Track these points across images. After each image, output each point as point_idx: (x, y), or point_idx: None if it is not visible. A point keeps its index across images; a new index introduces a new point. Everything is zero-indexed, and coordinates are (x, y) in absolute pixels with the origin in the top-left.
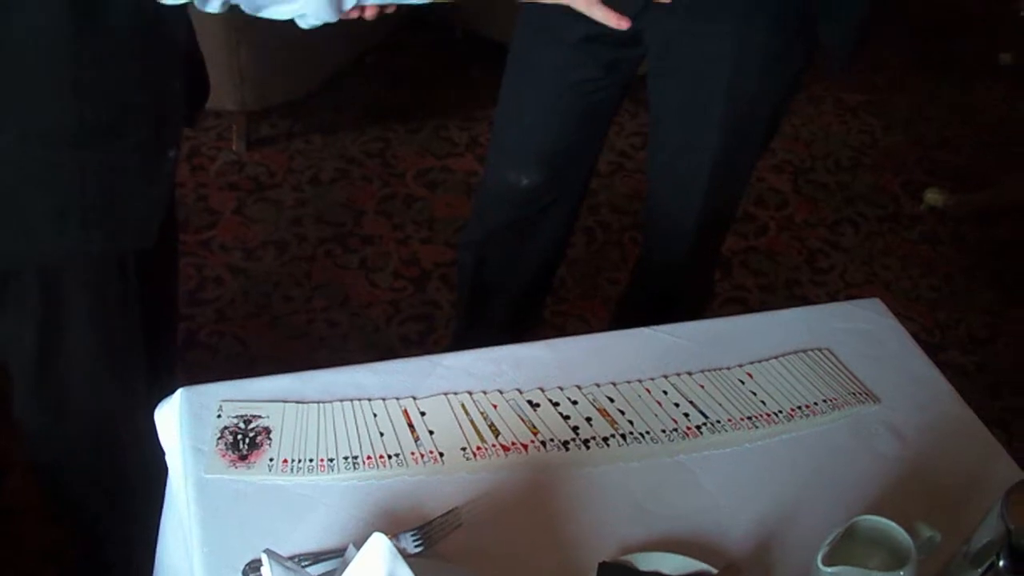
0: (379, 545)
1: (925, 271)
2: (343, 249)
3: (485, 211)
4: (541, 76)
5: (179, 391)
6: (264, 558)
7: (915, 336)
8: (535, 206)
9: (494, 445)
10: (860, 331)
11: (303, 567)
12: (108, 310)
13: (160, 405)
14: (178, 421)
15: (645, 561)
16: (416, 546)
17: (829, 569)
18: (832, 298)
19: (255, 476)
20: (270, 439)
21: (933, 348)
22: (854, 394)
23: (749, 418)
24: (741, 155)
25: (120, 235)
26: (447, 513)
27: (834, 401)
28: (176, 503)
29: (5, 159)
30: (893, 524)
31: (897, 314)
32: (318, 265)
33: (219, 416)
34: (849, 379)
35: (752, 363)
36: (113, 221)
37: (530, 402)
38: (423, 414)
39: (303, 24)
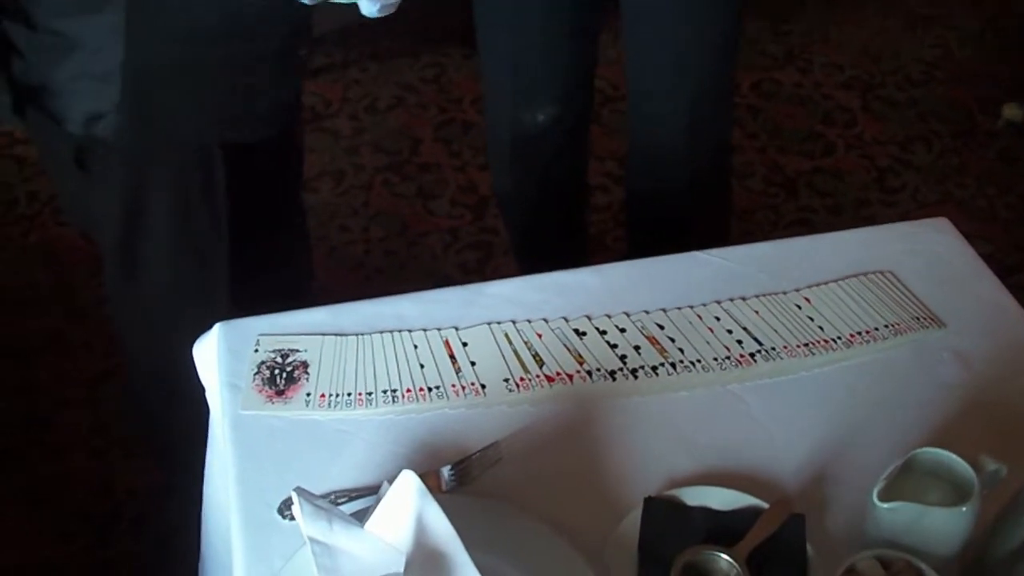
0: (408, 483)
1: (1002, 189)
2: (400, 177)
3: (508, 158)
4: (516, 7)
5: (216, 326)
6: (294, 496)
7: (990, 257)
8: (557, 138)
9: (538, 376)
10: (925, 252)
11: (338, 504)
12: (191, 196)
13: (198, 341)
14: (216, 357)
15: (693, 496)
16: (453, 481)
17: (885, 505)
18: (903, 219)
19: (292, 412)
20: (307, 373)
21: (1009, 269)
22: (918, 319)
23: (805, 345)
24: (717, 24)
25: (246, 129)
26: (487, 447)
27: (896, 326)
28: (216, 441)
29: (150, 54)
30: (955, 457)
31: (972, 235)
32: (375, 194)
33: (256, 351)
34: (913, 303)
35: (810, 287)
36: (242, 116)
37: (576, 330)
38: (465, 345)
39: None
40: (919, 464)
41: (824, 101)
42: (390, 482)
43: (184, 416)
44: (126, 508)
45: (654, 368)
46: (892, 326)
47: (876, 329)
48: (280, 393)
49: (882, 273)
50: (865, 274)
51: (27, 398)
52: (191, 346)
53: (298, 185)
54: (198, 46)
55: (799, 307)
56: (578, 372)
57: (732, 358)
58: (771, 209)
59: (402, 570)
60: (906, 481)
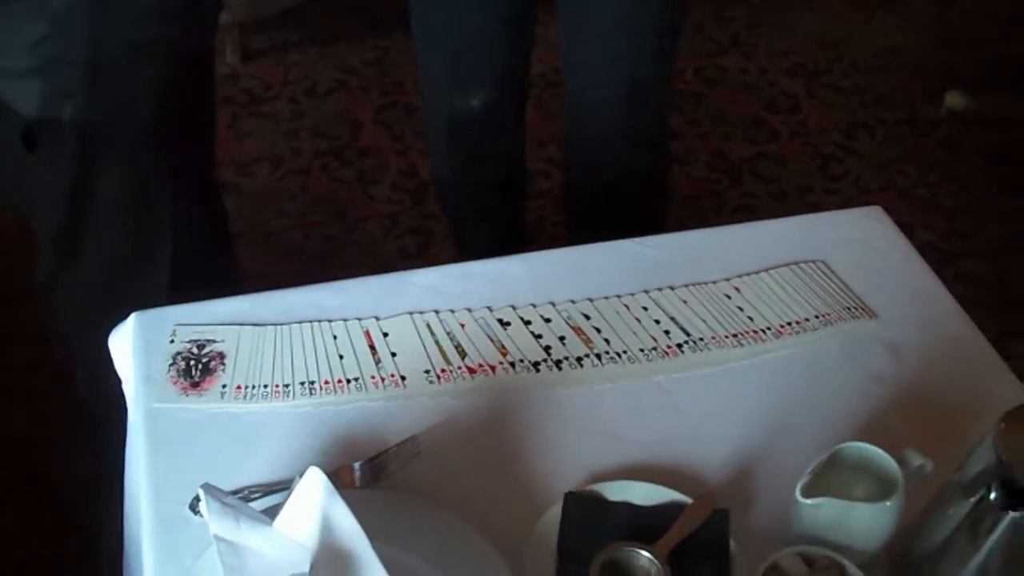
0: (314, 481)
1: (943, 177)
2: (340, 162)
3: (444, 144)
4: None
5: (132, 315)
6: (201, 493)
7: (931, 246)
8: (493, 123)
9: (460, 367)
10: (858, 241)
11: (251, 500)
12: (138, 177)
13: (114, 331)
14: (131, 348)
15: (615, 490)
16: (367, 476)
17: (809, 501)
18: (845, 206)
19: (207, 404)
20: (224, 364)
21: (950, 257)
22: (849, 309)
23: (734, 335)
24: (654, 8)
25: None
26: (404, 441)
27: (827, 317)
28: (131, 434)
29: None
30: (880, 451)
31: (913, 223)
32: (313, 179)
33: (172, 341)
34: (844, 293)
35: (740, 276)
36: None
37: (500, 320)
38: (386, 335)
39: None
40: (844, 458)
41: (769, 87)
42: (302, 477)
43: (119, 406)
44: (57, 499)
45: (579, 359)
46: (822, 316)
47: (806, 320)
48: (195, 385)
49: (814, 262)
50: (797, 263)
51: None
52: None
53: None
54: (152, 23)
55: (728, 297)
56: (501, 364)
57: (659, 349)
58: (714, 195)
59: (307, 569)
60: (832, 476)
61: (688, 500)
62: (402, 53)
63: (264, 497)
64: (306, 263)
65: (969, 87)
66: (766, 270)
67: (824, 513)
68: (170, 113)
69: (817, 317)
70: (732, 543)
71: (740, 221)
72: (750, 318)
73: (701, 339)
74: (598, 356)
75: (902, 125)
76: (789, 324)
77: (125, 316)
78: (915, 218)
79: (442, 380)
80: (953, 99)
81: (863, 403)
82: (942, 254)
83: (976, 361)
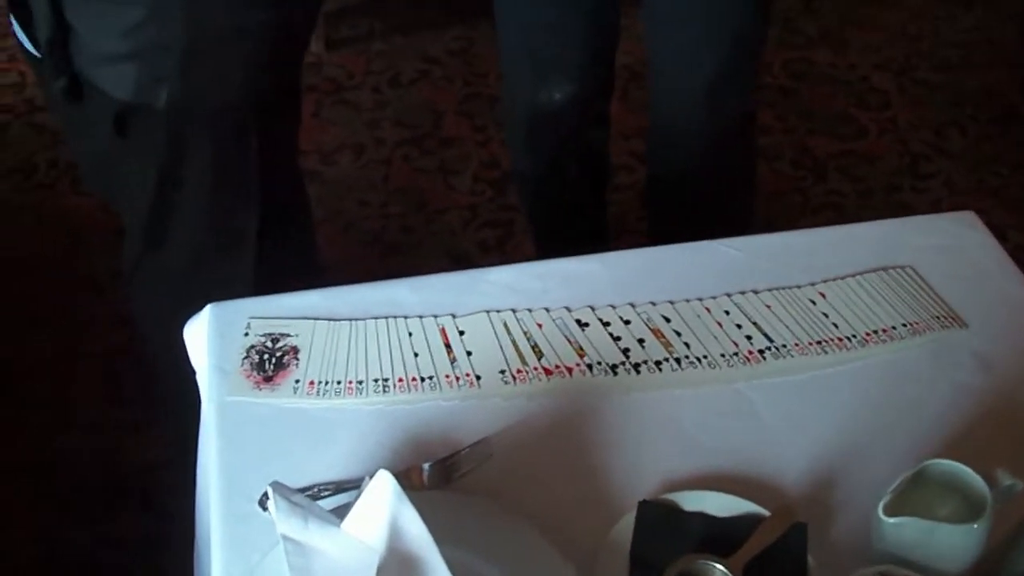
0: (384, 483)
1: None
2: (421, 152)
3: (525, 138)
4: None
5: (207, 307)
6: (270, 491)
7: (1023, 249)
8: (574, 116)
9: (536, 368)
10: (950, 248)
11: (321, 498)
12: (226, 164)
13: (189, 322)
14: (206, 339)
15: (691, 500)
16: (437, 477)
17: (892, 520)
18: (934, 206)
19: (279, 399)
20: (297, 359)
21: None
22: (938, 318)
23: (819, 343)
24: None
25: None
26: (477, 443)
27: (915, 325)
28: (204, 427)
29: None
30: (968, 470)
31: (1005, 225)
32: (395, 168)
33: (247, 334)
34: (934, 301)
35: (825, 281)
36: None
37: (578, 321)
38: (462, 333)
39: None
40: (930, 475)
41: (858, 83)
42: (371, 477)
43: (193, 395)
44: (133, 484)
45: (658, 363)
46: (910, 325)
47: (893, 328)
48: (268, 379)
49: (903, 268)
50: (885, 269)
51: (35, 370)
52: None
53: (296, 148)
54: (255, 9)
55: (813, 302)
56: (578, 365)
57: (740, 355)
58: (799, 192)
59: (374, 573)
60: (916, 493)
61: (765, 512)
62: (487, 44)
63: (333, 496)
64: (386, 253)
65: None
66: (853, 275)
67: (907, 533)
68: (260, 100)
69: (905, 325)
70: (810, 559)
71: (825, 219)
72: (835, 325)
73: (784, 346)
74: (677, 360)
75: (995, 122)
76: (875, 332)
77: (203, 306)
78: (1008, 220)
79: (518, 381)
80: None
81: (951, 417)
82: None
83: None
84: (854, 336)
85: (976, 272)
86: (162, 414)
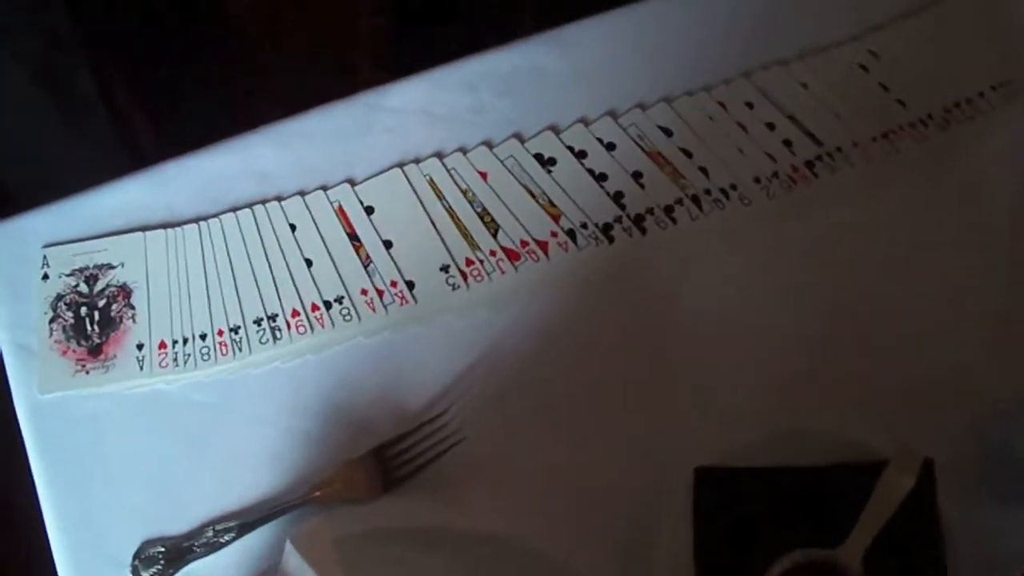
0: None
1: None
2: None
3: None
4: None
5: None
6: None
7: None
8: None
9: (493, 252)
10: None
11: (222, 544)
12: None
13: None
14: None
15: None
16: (386, 479)
17: None
18: None
19: (118, 382)
20: (133, 306)
21: None
22: None
23: (883, 136)
24: None
25: None
26: (431, 420)
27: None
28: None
29: None
30: None
31: None
32: None
33: (45, 277)
34: None
35: (876, 30)
36: None
37: (539, 157)
38: (370, 212)
39: None
40: None
41: None
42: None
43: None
44: None
45: (668, 209)
46: (1001, 87)
47: (980, 95)
48: (96, 350)
49: None
50: None
51: None
52: None
53: None
54: None
55: (865, 69)
56: (554, 235)
57: (781, 174)
58: None
59: None
60: None
61: (872, 451)
62: None
63: (238, 538)
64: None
65: None
66: (915, 13)
67: None
68: None
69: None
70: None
71: None
72: (900, 103)
73: (839, 149)
74: (695, 200)
75: None
76: (957, 106)
77: None
78: None
79: (471, 279)
80: None
81: None
82: None
83: None
84: (930, 118)
85: None
86: None
